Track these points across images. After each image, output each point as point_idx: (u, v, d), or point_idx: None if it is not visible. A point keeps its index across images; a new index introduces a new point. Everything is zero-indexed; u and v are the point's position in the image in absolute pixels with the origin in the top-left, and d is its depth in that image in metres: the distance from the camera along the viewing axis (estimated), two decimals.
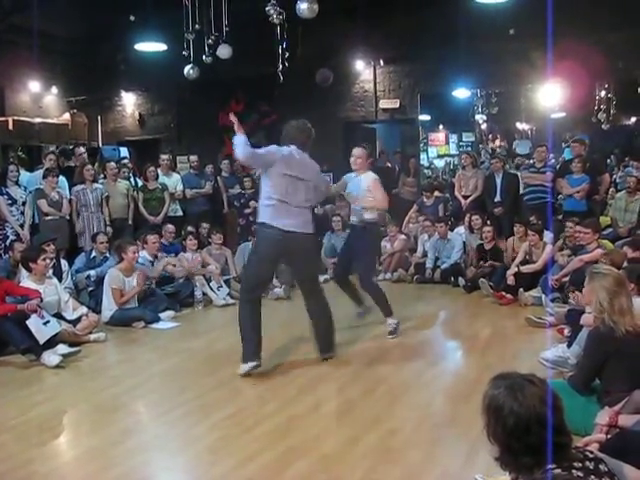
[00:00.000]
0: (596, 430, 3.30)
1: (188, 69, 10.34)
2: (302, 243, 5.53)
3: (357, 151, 6.65)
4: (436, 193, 11.12)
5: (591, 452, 2.32)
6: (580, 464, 2.16)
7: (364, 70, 12.98)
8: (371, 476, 3.62)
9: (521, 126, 13.74)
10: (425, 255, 9.88)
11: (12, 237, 8.77)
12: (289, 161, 5.49)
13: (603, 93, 12.09)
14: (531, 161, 10.71)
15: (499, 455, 2.25)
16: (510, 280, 8.12)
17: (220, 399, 4.96)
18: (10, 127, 12.53)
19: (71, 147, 11.97)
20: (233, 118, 5.57)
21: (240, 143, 5.35)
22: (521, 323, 6.89)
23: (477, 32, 10.51)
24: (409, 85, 12.71)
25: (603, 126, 12.32)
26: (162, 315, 7.66)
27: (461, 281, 8.99)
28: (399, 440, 4.01)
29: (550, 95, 11.73)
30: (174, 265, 8.53)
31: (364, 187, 6.49)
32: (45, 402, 5.01)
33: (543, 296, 7.57)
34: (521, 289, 7.91)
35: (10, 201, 8.87)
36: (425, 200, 10.96)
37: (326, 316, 5.82)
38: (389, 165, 13.34)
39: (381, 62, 12.77)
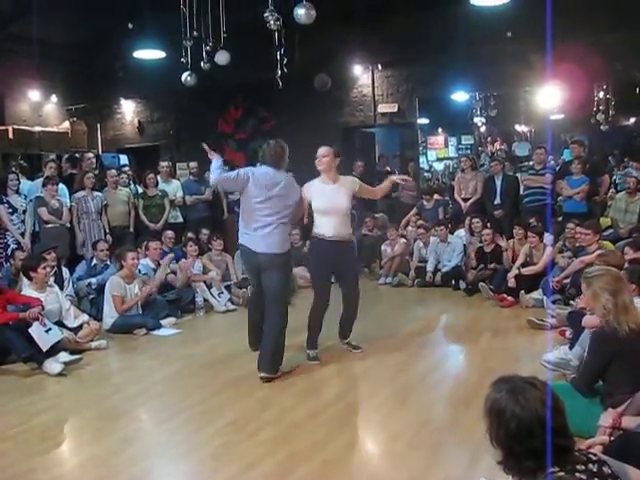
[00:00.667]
0: (599, 432, 3.29)
1: (186, 76, 10.35)
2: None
3: (322, 150, 6.09)
4: (436, 196, 11.11)
5: (594, 454, 2.31)
6: (583, 467, 2.16)
7: (362, 75, 12.99)
8: None
9: (520, 128, 13.79)
10: (421, 260, 9.87)
11: (13, 246, 8.77)
12: (260, 181, 5.62)
13: (602, 94, 12.12)
14: (530, 163, 10.71)
15: (502, 459, 2.25)
16: (511, 282, 8.12)
17: (222, 405, 4.95)
18: (10, 136, 12.55)
19: (77, 154, 12.04)
20: (206, 147, 5.76)
21: (214, 168, 5.59)
22: (522, 325, 6.88)
23: (475, 35, 10.52)
24: (407, 89, 12.71)
25: (602, 127, 12.35)
26: (163, 322, 7.65)
27: (462, 284, 8.99)
28: (401, 445, 4.01)
29: (549, 97, 11.74)
30: (174, 274, 8.51)
31: (345, 196, 6.01)
32: (47, 410, 5.01)
33: (544, 298, 7.56)
34: (522, 291, 7.91)
35: (11, 210, 8.87)
36: (425, 203, 10.96)
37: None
38: (388, 169, 13.35)
39: (379, 66, 12.78)
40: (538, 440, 2.14)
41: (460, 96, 12.61)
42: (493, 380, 2.36)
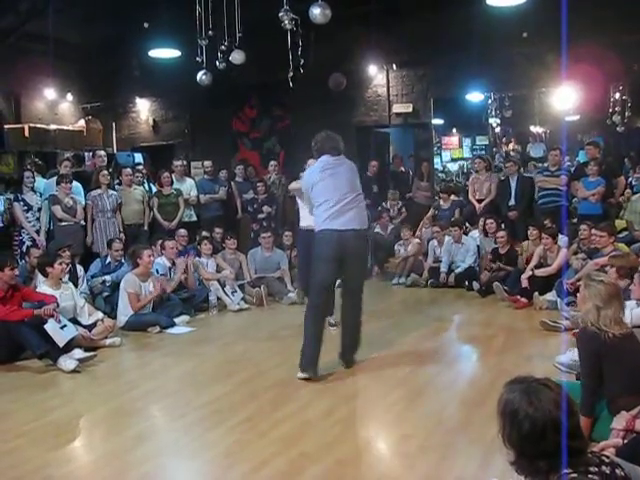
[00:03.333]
0: (612, 435, 3.28)
1: (201, 75, 10.37)
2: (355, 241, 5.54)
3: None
4: (453, 197, 11.02)
5: (607, 457, 2.30)
6: (596, 469, 2.15)
7: (377, 75, 12.98)
8: None
9: (535, 129, 13.71)
10: (436, 261, 9.86)
11: (28, 243, 8.85)
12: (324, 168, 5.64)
13: (618, 95, 12.03)
14: (545, 164, 10.67)
15: (514, 460, 2.25)
16: (525, 284, 8.09)
17: (234, 404, 4.97)
18: (26, 134, 12.62)
19: (89, 151, 12.13)
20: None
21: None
22: (536, 327, 6.86)
23: (490, 35, 10.49)
24: (422, 89, 12.69)
25: (618, 128, 12.25)
26: (177, 320, 7.68)
27: (475, 285, 8.96)
28: (413, 445, 4.00)
29: (564, 98, 11.67)
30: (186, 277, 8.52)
31: None
32: (61, 406, 5.05)
33: (558, 300, 7.54)
34: (536, 293, 7.89)
35: (26, 207, 8.96)
36: (442, 203, 10.91)
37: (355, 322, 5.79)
38: (403, 170, 13.33)
39: (394, 66, 12.76)
40: (551, 441, 2.13)
41: (475, 96, 12.56)
42: (506, 381, 2.36)
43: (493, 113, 13.35)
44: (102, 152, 11.04)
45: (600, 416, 3.67)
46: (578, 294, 4.15)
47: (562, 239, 8.42)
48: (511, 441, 2.23)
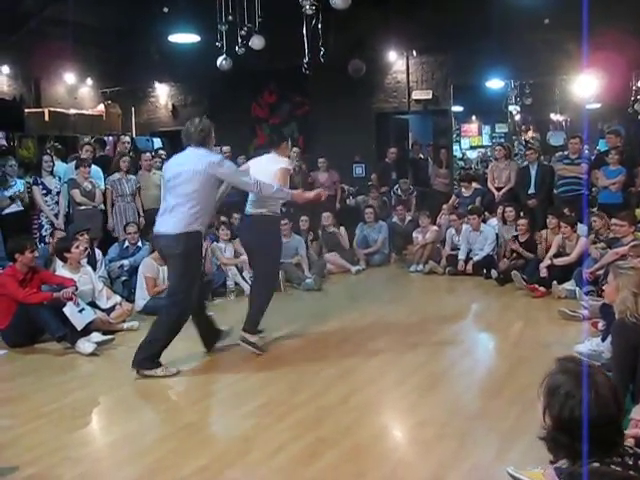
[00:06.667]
0: (631, 425, 3.25)
1: (221, 60, 10.36)
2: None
3: None
4: (474, 185, 10.92)
5: (630, 447, 2.28)
6: (619, 459, 2.13)
7: (397, 61, 12.92)
8: (401, 468, 3.61)
9: (555, 117, 13.57)
10: (454, 248, 9.81)
11: (47, 226, 8.91)
12: None
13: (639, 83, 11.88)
14: (565, 153, 10.58)
15: (551, 436, 2.21)
16: (543, 273, 8.05)
17: (251, 388, 4.99)
18: (46, 118, 12.69)
19: (109, 135, 12.18)
20: None
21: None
22: (554, 316, 6.81)
23: (511, 22, 10.40)
24: (442, 76, 12.62)
25: (639, 117, 12.11)
26: None
27: (494, 273, 8.91)
28: (430, 432, 4.00)
29: (585, 85, 11.55)
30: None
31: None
32: (79, 389, 5.09)
33: (577, 289, 7.49)
34: (555, 282, 7.84)
35: (45, 191, 9.01)
36: (463, 191, 10.81)
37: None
38: (422, 157, 13.26)
39: (414, 53, 12.70)
40: (600, 430, 2.10)
41: (495, 84, 12.47)
42: (557, 357, 2.33)
43: (513, 100, 13.23)
44: (127, 138, 11.09)
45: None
46: (603, 286, 4.09)
47: (582, 228, 8.35)
48: (558, 419, 2.18)
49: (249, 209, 5.98)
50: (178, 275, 5.34)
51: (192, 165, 5.21)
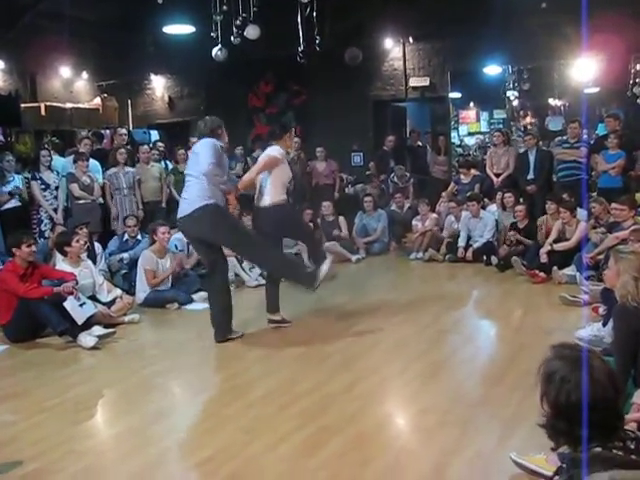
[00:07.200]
0: (633, 409, 3.26)
1: (216, 51, 10.31)
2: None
3: None
4: (473, 171, 10.89)
5: (632, 432, 2.28)
6: (621, 443, 2.13)
7: (393, 48, 12.87)
8: (404, 455, 3.62)
9: (554, 102, 13.53)
10: (453, 235, 9.79)
11: (46, 221, 8.92)
12: None
13: (638, 66, 11.84)
14: (564, 137, 10.55)
15: (551, 423, 2.21)
16: (543, 258, 8.04)
17: (253, 379, 4.99)
18: (42, 113, 12.64)
19: (106, 129, 12.15)
20: None
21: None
22: (554, 301, 6.81)
23: (508, 7, 10.33)
24: (439, 62, 12.57)
25: (638, 100, 12.07)
26: (195, 296, 7.70)
27: (494, 260, 8.91)
28: (432, 420, 4.00)
29: (584, 70, 11.51)
30: None
31: None
32: (81, 383, 5.09)
33: (577, 274, 7.48)
34: (555, 267, 7.83)
35: (43, 186, 9.00)
36: (462, 177, 10.77)
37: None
38: (420, 144, 13.25)
39: (410, 40, 12.64)
40: (599, 414, 2.10)
41: (493, 69, 12.43)
42: (552, 344, 2.32)
43: (511, 86, 13.20)
44: (123, 130, 11.07)
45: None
46: (604, 271, 4.07)
47: (582, 213, 8.34)
48: (555, 405, 2.18)
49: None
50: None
51: None
